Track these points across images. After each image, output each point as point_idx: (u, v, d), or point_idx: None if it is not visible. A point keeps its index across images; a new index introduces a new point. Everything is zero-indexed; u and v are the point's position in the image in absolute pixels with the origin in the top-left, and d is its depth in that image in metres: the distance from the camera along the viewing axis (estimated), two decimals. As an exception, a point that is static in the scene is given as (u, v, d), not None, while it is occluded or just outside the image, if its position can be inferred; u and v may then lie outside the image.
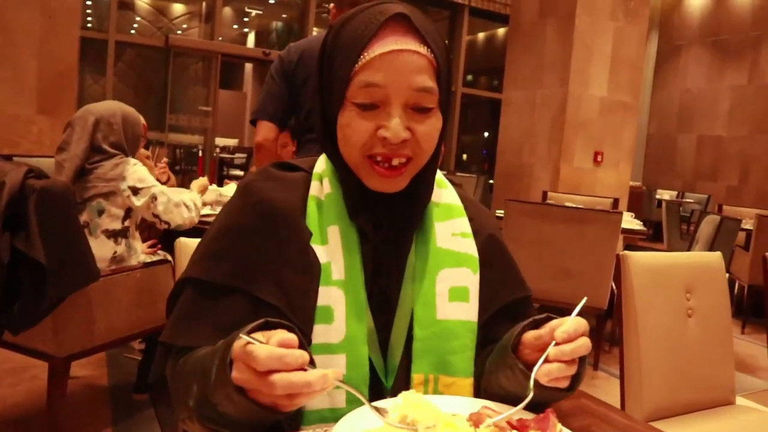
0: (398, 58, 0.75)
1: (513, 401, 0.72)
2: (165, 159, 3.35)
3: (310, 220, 0.81)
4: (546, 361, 0.69)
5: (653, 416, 1.46)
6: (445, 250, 0.84)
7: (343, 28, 0.79)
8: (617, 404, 1.16)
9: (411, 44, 0.75)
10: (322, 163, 0.87)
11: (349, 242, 0.80)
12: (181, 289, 0.80)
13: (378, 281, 0.82)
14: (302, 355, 0.56)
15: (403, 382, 0.79)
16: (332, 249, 0.79)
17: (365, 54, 0.75)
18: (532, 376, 0.68)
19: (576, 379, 0.71)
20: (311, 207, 0.82)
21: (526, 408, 0.73)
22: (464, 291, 0.83)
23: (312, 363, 0.55)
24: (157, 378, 0.82)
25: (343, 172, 0.82)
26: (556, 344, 0.68)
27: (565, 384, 0.70)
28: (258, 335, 0.59)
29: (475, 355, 0.82)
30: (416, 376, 0.79)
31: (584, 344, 0.69)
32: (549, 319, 0.75)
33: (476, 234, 0.88)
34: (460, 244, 0.86)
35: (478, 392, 0.82)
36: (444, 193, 0.90)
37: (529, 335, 0.73)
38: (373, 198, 0.80)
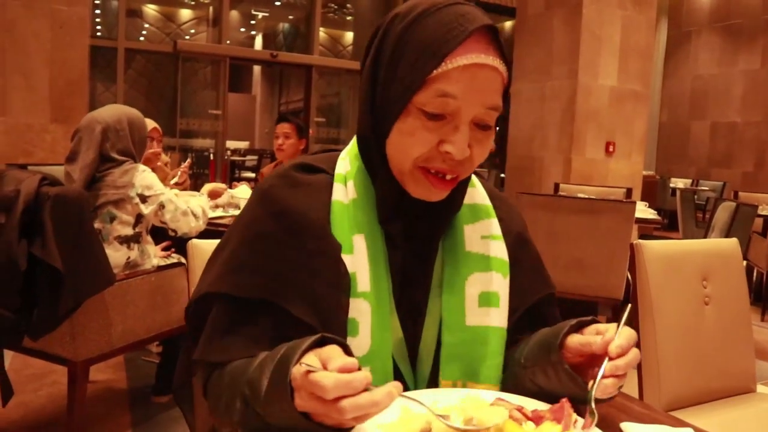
0: (480, 72, 0.71)
1: (543, 398, 0.72)
2: (188, 161, 3.37)
3: (335, 227, 0.77)
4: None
5: (672, 406, 1.44)
6: (475, 253, 0.82)
7: (418, 23, 0.72)
8: (635, 395, 1.15)
9: (492, 59, 0.72)
10: (345, 163, 0.82)
11: (376, 251, 0.77)
12: (208, 303, 0.77)
13: (407, 291, 0.79)
14: (366, 377, 0.55)
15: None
16: (358, 259, 0.76)
17: (448, 61, 0.70)
18: (592, 395, 0.66)
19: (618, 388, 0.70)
20: (335, 213, 0.78)
21: (541, 399, 0.73)
22: (494, 296, 0.81)
23: None
24: (180, 385, 0.79)
25: (383, 175, 0.77)
26: (610, 359, 0.67)
27: (614, 394, 0.69)
28: (313, 359, 0.58)
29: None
30: (444, 383, 0.78)
31: (636, 357, 0.68)
32: (594, 321, 0.73)
33: (506, 235, 0.86)
34: (490, 248, 0.83)
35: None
36: (472, 192, 0.86)
37: (575, 340, 0.71)
38: (408, 205, 0.77)
